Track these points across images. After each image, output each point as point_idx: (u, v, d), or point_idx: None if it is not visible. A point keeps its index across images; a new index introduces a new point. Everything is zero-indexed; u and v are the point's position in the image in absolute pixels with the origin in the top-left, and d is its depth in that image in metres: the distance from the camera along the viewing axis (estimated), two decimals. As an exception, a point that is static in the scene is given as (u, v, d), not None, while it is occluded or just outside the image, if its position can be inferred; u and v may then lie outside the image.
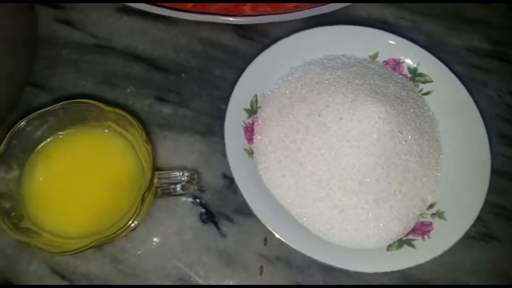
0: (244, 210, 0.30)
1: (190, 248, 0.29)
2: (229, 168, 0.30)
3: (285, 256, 0.29)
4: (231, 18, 0.33)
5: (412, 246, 0.25)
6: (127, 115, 0.23)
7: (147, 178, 0.22)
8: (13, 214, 0.22)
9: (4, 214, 0.21)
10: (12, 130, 0.23)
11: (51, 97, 0.32)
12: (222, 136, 0.31)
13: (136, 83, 0.33)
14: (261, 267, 0.28)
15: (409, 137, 0.26)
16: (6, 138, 0.23)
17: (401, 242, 0.25)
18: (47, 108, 0.24)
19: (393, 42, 0.30)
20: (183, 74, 0.34)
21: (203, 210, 0.30)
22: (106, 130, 0.25)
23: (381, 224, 0.25)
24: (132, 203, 0.23)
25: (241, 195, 0.26)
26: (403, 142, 0.26)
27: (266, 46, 0.33)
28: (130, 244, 0.28)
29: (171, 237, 0.29)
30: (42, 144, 0.24)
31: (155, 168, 0.24)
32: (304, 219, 0.26)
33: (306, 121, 0.26)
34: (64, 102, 0.24)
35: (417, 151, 0.27)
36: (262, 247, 0.29)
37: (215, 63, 0.34)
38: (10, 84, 0.28)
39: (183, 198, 0.30)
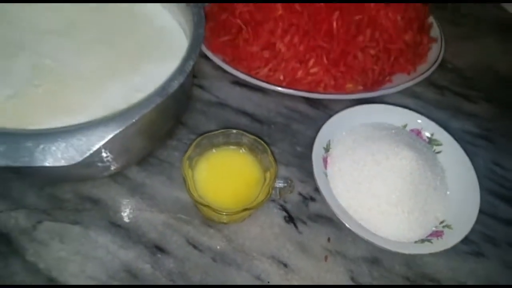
0: (314, 218, 0.44)
1: (278, 238, 0.42)
2: (303, 188, 0.45)
3: (342, 251, 0.42)
4: (303, 93, 0.50)
5: (431, 242, 0.39)
6: (261, 141, 0.39)
7: (271, 180, 0.37)
8: (192, 190, 0.36)
9: (189, 188, 0.36)
10: (195, 141, 0.38)
11: (190, 131, 0.48)
12: (298, 168, 0.47)
13: (243, 129, 0.49)
14: (326, 256, 0.42)
15: (429, 174, 0.41)
16: (192, 146, 0.38)
17: (423, 240, 0.39)
18: (213, 132, 0.39)
19: (417, 119, 0.46)
20: (272, 126, 0.50)
21: (286, 214, 0.44)
22: (241, 150, 0.41)
23: (411, 228, 0.39)
24: (256, 195, 0.38)
25: (314, 206, 0.41)
26: (425, 177, 0.41)
27: (328, 114, 0.50)
28: (240, 230, 0.42)
29: (265, 229, 0.42)
30: (205, 153, 0.39)
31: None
32: (362, 220, 0.40)
33: (364, 158, 0.41)
34: (224, 129, 0.40)
35: (433, 185, 0.42)
36: (326, 243, 0.42)
37: (293, 121, 0.51)
38: (176, 119, 0.44)
39: (271, 205, 0.44)
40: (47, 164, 0.30)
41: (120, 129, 0.32)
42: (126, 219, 0.41)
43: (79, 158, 0.31)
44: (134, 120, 0.32)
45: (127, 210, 0.42)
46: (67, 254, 0.39)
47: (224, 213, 0.35)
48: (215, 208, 0.35)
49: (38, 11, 0.44)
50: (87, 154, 0.31)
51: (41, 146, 0.30)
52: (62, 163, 0.30)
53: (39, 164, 0.30)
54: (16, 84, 0.39)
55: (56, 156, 0.30)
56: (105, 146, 0.32)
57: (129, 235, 0.40)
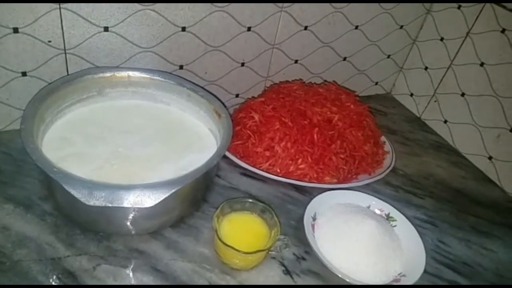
0: (305, 272, 0.57)
1: (279, 285, 0.55)
2: (296, 250, 0.59)
3: (328, 297, 0.55)
4: (295, 182, 0.68)
5: (391, 284, 0.53)
6: (270, 208, 0.55)
7: (276, 234, 0.53)
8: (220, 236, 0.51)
9: (218, 234, 0.51)
10: (220, 205, 0.54)
11: (210, 206, 0.63)
12: (292, 236, 0.61)
13: (250, 206, 0.65)
14: (315, 301, 0.54)
15: (387, 238, 0.58)
16: (219, 208, 0.54)
17: (386, 284, 0.53)
18: (233, 199, 0.56)
19: (378, 202, 0.64)
20: (272, 205, 0.66)
21: (284, 269, 0.57)
22: (253, 214, 0.57)
23: (377, 275, 0.54)
24: (264, 246, 0.52)
25: (305, 263, 0.55)
26: (385, 240, 0.57)
27: (311, 198, 0.66)
28: (250, 278, 0.54)
29: (269, 278, 0.55)
30: (227, 214, 0.55)
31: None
32: (342, 268, 0.54)
33: (341, 224, 0.58)
34: (239, 197, 0.56)
35: (391, 246, 0.57)
36: (316, 290, 0.55)
37: (287, 203, 0.67)
38: (202, 196, 0.60)
39: (273, 261, 0.57)
40: (131, 206, 0.46)
41: (180, 187, 0.48)
42: (164, 266, 0.54)
43: (153, 203, 0.46)
44: (190, 181, 0.49)
45: (165, 259, 0.54)
46: (119, 288, 0.50)
47: (242, 252, 0.50)
48: (236, 248, 0.50)
49: (116, 117, 0.64)
50: (158, 201, 0.46)
51: (130, 194, 0.46)
52: (145, 205, 0.46)
53: (127, 205, 0.46)
54: (98, 162, 0.56)
55: (139, 201, 0.46)
56: (164, 200, 0.48)
57: (166, 277, 0.52)
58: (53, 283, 0.49)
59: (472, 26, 0.84)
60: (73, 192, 0.45)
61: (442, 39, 0.91)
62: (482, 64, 0.83)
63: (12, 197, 0.58)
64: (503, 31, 0.78)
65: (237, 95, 0.87)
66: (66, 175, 0.47)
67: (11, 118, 0.69)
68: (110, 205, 0.45)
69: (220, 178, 0.69)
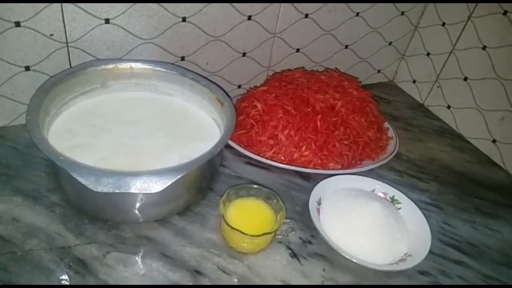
0: (312, 255, 0.58)
1: (286, 268, 0.55)
2: (302, 234, 0.60)
3: (334, 278, 0.55)
4: (299, 168, 0.69)
5: (398, 264, 0.53)
6: (275, 193, 0.56)
7: (281, 218, 0.53)
8: (224, 223, 0.52)
9: (225, 218, 0.51)
10: (226, 191, 0.55)
11: (216, 194, 0.64)
12: (298, 221, 0.61)
13: (256, 193, 0.65)
14: (322, 283, 0.55)
15: (393, 220, 0.58)
16: (225, 194, 0.54)
17: (392, 263, 0.54)
18: (238, 185, 0.56)
19: (382, 186, 0.65)
20: (277, 192, 0.66)
21: (291, 252, 0.57)
22: (259, 199, 0.57)
23: (383, 255, 0.54)
24: (270, 230, 0.53)
25: (311, 247, 0.56)
26: (390, 221, 0.57)
27: (315, 184, 0.67)
28: (257, 261, 0.55)
29: (276, 261, 0.56)
30: (233, 200, 0.56)
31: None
32: (348, 250, 0.54)
33: (346, 207, 0.58)
34: (246, 183, 0.57)
35: (397, 227, 0.58)
36: (322, 272, 0.56)
37: (292, 190, 0.68)
38: (207, 185, 0.61)
39: (280, 245, 0.58)
40: (139, 192, 0.46)
41: (186, 172, 0.49)
42: (172, 251, 0.54)
43: (160, 189, 0.47)
44: (195, 167, 0.49)
45: (173, 246, 0.55)
46: (129, 274, 0.51)
47: (249, 235, 0.50)
48: (243, 231, 0.50)
49: (120, 109, 0.65)
50: (165, 186, 0.47)
51: (137, 180, 0.47)
52: (152, 191, 0.46)
53: (134, 191, 0.46)
54: (104, 152, 0.57)
55: (147, 186, 0.46)
56: (171, 186, 0.49)
57: (175, 262, 0.53)
58: (64, 271, 0.50)
59: (474, 9, 0.84)
60: (81, 179, 0.45)
61: (443, 24, 0.91)
62: (484, 48, 0.83)
63: (20, 190, 0.59)
64: (504, 13, 0.78)
65: (239, 86, 0.88)
66: (73, 163, 0.47)
67: (16, 113, 0.70)
68: (117, 191, 0.46)
69: (225, 168, 0.70)
